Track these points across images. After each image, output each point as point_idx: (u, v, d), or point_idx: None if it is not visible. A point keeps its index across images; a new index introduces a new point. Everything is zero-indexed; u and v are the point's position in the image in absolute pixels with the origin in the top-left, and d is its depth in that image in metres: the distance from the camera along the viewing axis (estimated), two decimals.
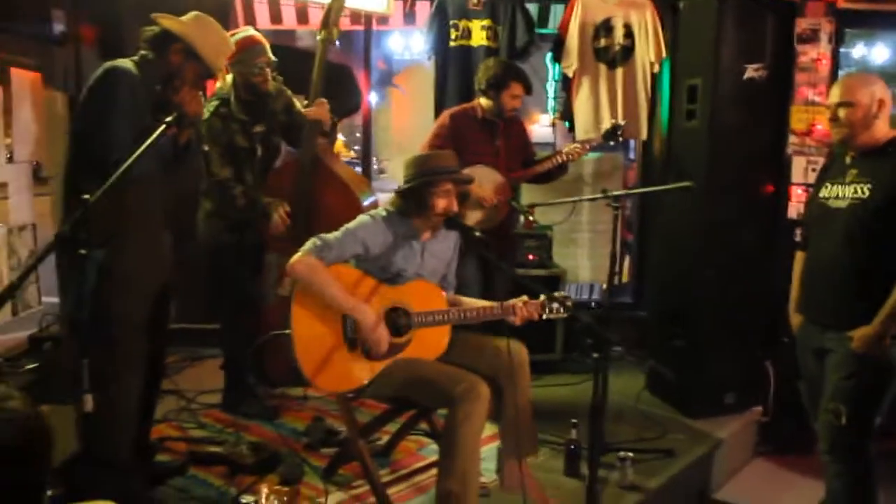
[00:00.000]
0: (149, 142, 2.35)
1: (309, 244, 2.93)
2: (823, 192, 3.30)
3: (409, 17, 5.93)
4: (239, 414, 3.98)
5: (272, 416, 3.98)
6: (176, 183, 3.03)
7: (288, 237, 3.81)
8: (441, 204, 3.02)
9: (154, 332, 2.96)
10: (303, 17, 6.44)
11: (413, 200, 3.05)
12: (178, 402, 4.11)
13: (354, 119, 5.75)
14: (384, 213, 3.09)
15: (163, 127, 2.46)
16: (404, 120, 6.01)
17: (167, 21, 2.88)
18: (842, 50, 4.91)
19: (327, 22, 4.05)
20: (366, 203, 4.15)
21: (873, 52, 6.35)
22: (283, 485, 3.03)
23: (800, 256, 3.45)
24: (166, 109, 2.70)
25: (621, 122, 4.32)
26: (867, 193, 3.09)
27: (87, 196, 2.09)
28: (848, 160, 3.23)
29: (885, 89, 3.21)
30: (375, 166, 5.99)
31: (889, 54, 6.28)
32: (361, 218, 3.07)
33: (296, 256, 2.91)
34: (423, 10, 5.98)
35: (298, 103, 4.12)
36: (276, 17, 6.36)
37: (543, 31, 5.82)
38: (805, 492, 3.89)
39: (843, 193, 3.19)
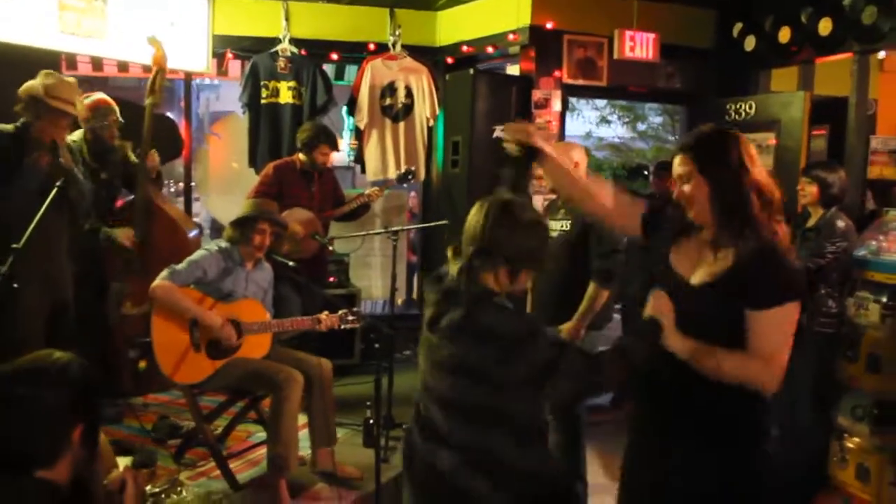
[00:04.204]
0: None
1: (164, 272, 3.81)
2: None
3: (222, 71, 6.81)
4: None
5: (118, 419, 4.72)
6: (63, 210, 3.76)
7: (129, 268, 4.59)
8: (257, 238, 4.00)
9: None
10: (123, 67, 7.12)
11: (239, 231, 4.01)
12: None
13: (177, 162, 6.51)
14: (217, 248, 4.01)
15: None
16: (220, 163, 6.84)
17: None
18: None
19: (154, 89, 4.74)
20: (190, 235, 4.98)
21: None
22: (140, 467, 3.84)
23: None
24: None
25: (412, 167, 5.47)
26: (569, 227, 4.38)
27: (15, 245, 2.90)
28: (559, 203, 4.52)
29: (582, 153, 4.54)
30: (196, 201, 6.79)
31: None
32: (201, 251, 4.00)
33: (155, 282, 3.78)
34: (234, 65, 6.90)
35: (133, 155, 4.89)
36: (97, 66, 6.99)
37: (340, 82, 6.89)
38: None
39: (557, 226, 4.48)
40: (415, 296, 7.31)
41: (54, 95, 3.81)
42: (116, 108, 4.67)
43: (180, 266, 3.86)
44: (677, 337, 2.18)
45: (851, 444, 4.11)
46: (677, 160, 2.30)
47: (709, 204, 2.22)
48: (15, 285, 2.93)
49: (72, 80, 3.98)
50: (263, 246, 4.03)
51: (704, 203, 2.23)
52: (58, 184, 3.36)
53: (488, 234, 2.19)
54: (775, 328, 2.15)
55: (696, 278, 2.26)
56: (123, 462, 2.24)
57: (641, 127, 13.50)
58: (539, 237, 2.27)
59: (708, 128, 2.30)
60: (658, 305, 2.22)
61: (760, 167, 2.25)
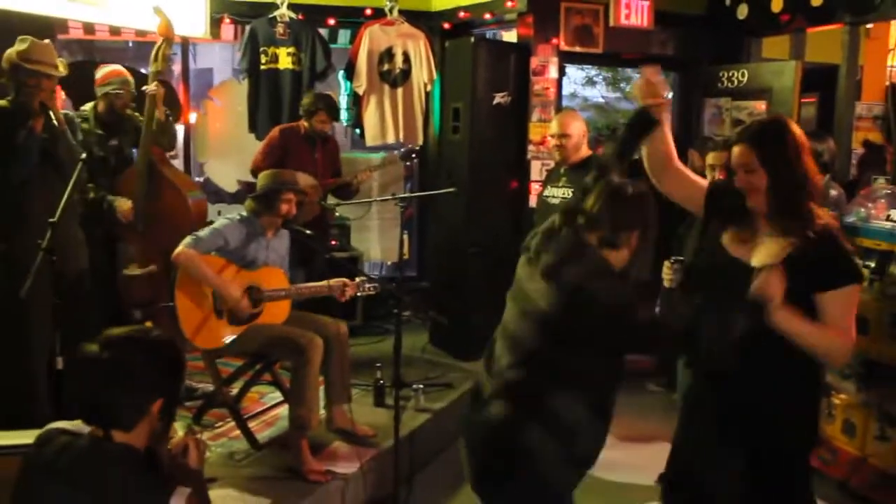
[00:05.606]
0: None
1: (187, 239, 3.89)
2: (546, 192, 4.74)
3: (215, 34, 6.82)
4: None
5: None
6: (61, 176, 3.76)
7: (132, 230, 4.61)
8: (284, 208, 4.09)
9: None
10: (115, 31, 7.09)
11: (265, 203, 4.10)
12: None
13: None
14: (239, 217, 4.11)
15: None
16: (219, 128, 6.89)
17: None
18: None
19: (157, 57, 4.63)
20: (191, 201, 5.02)
21: None
22: None
23: None
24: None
25: (414, 146, 5.57)
26: (570, 195, 4.54)
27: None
28: (562, 171, 4.67)
29: (583, 122, 4.69)
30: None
31: None
32: (223, 220, 4.09)
33: (178, 249, 3.86)
34: (227, 29, 6.91)
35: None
36: (89, 30, 6.97)
37: (333, 45, 6.92)
38: None
39: (557, 194, 4.63)
40: (406, 256, 7.42)
41: (30, 59, 3.82)
42: (132, 80, 4.70)
43: (203, 233, 3.96)
44: (786, 313, 2.33)
45: (838, 400, 4.35)
46: (738, 150, 2.47)
47: (766, 193, 2.42)
48: (54, 258, 3.02)
49: (47, 42, 3.98)
50: (290, 214, 4.12)
51: (763, 191, 2.42)
52: (81, 158, 3.44)
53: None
54: (845, 308, 2.39)
55: (757, 261, 2.42)
56: (181, 428, 2.37)
57: (626, 87, 13.63)
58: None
59: (769, 119, 2.47)
60: (768, 283, 2.33)
61: (809, 157, 2.44)
